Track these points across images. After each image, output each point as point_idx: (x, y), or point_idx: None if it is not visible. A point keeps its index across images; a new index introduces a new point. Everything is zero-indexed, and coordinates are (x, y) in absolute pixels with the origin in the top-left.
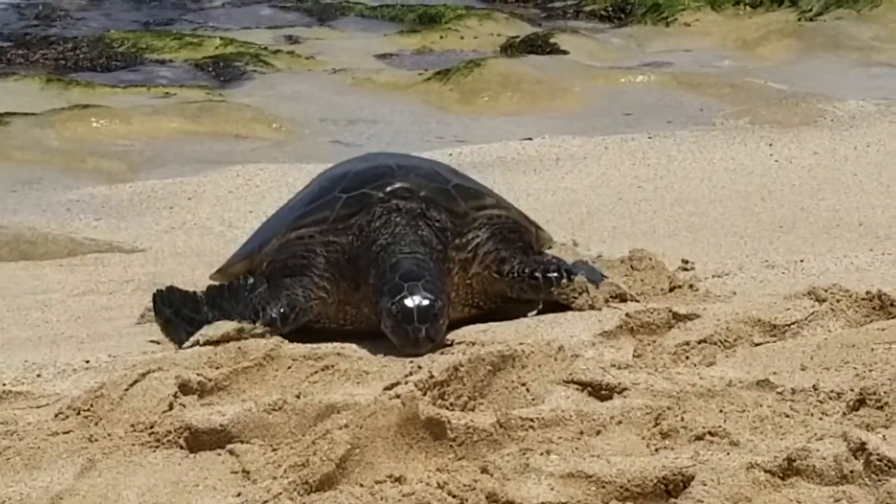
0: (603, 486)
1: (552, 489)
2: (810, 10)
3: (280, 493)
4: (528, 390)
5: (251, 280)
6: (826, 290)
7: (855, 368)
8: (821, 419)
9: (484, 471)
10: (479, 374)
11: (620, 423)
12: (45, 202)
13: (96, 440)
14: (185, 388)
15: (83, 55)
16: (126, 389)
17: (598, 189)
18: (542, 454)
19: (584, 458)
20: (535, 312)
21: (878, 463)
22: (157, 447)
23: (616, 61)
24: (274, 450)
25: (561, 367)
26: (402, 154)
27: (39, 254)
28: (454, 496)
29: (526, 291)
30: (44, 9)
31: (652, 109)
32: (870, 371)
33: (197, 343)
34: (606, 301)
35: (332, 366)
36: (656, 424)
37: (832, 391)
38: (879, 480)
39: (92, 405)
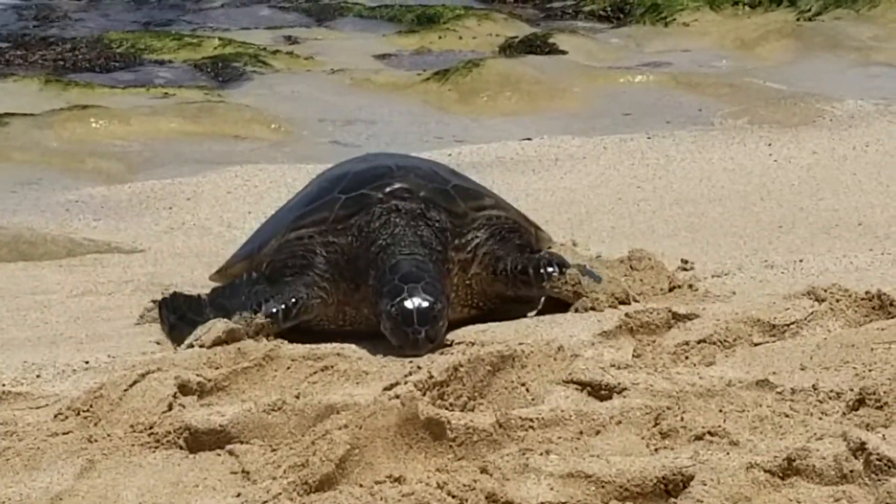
0: (602, 486)
1: (552, 489)
2: (809, 9)
3: (280, 494)
4: (527, 390)
5: (253, 275)
6: (825, 290)
7: (854, 368)
8: (820, 419)
9: (483, 471)
10: (478, 374)
11: (620, 423)
12: (44, 203)
13: (96, 441)
14: (184, 388)
15: (82, 56)
16: (125, 390)
17: (597, 189)
18: (541, 454)
19: (583, 458)
20: (534, 313)
21: (877, 463)
22: (156, 448)
23: (615, 61)
24: (273, 450)
25: (560, 367)
26: (401, 154)
27: (38, 254)
28: (454, 496)
29: (519, 287)
30: (42, 10)
31: (651, 109)
32: (869, 371)
33: (191, 346)
34: (609, 303)
35: (332, 366)
36: (656, 424)
37: (832, 391)
38: (879, 480)
39: (91, 406)
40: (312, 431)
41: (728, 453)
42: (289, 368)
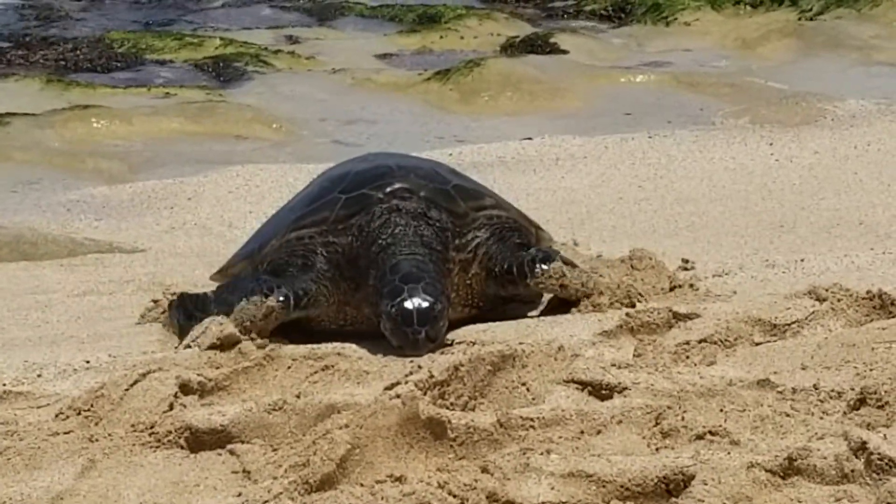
0: (603, 486)
1: (553, 489)
2: (810, 9)
3: (280, 493)
4: (528, 390)
5: (259, 270)
6: (827, 290)
7: (855, 368)
8: (821, 418)
9: (484, 470)
10: (479, 373)
11: (621, 422)
12: (45, 203)
13: (97, 440)
14: (185, 388)
15: (83, 56)
16: (126, 389)
17: (598, 188)
18: (542, 454)
19: (584, 458)
20: (535, 312)
21: (878, 462)
22: (157, 447)
23: (616, 61)
24: (274, 450)
25: (561, 366)
26: (402, 154)
27: (40, 254)
28: (455, 496)
29: (507, 287)
30: (44, 9)
31: (652, 109)
32: (870, 370)
33: (188, 347)
34: (611, 304)
35: (333, 366)
36: (657, 424)
37: (833, 390)
38: (880, 479)
39: (92, 405)
40: (313, 431)
41: (729, 453)
42: (289, 368)
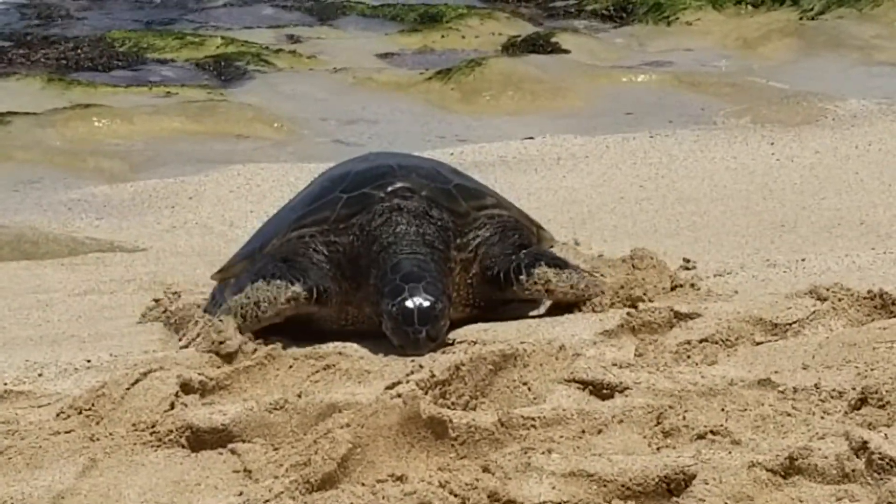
0: (605, 485)
1: (554, 488)
2: (812, 9)
3: (282, 493)
4: (529, 389)
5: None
6: (828, 289)
7: (857, 367)
8: (822, 418)
9: (485, 470)
10: (480, 373)
11: (622, 422)
12: (46, 202)
13: (98, 439)
14: (186, 387)
15: (84, 55)
16: (127, 389)
17: (599, 188)
18: (543, 453)
19: (585, 457)
20: (536, 312)
21: (879, 462)
22: (158, 446)
23: (617, 60)
24: (275, 449)
25: (562, 366)
26: (403, 154)
27: (41, 253)
28: (456, 495)
29: (497, 293)
30: (45, 9)
31: (653, 109)
32: (871, 370)
33: (186, 348)
34: (613, 304)
35: (334, 365)
36: (658, 423)
37: (834, 390)
38: (881, 479)
39: (93, 404)
40: (314, 430)
41: (730, 452)
42: (291, 367)
